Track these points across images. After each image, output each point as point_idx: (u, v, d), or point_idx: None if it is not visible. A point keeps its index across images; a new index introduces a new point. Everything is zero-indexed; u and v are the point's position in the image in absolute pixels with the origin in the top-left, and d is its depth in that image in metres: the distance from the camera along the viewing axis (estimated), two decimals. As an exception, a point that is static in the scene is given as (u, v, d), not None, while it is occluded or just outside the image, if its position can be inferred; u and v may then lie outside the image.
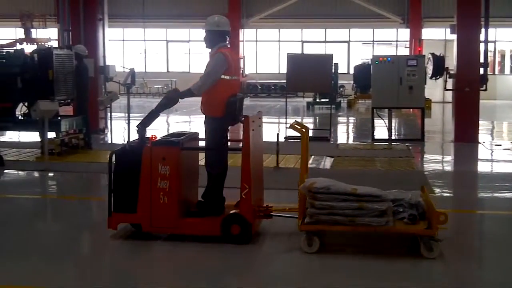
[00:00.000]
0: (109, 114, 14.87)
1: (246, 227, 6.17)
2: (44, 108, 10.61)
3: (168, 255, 6.14)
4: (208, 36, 6.57)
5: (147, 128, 6.46)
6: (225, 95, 6.39)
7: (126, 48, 34.09)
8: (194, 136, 6.94)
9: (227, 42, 6.65)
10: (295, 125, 6.58)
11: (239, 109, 6.63)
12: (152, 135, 6.55)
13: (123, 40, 34.02)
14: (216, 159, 6.53)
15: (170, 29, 33.93)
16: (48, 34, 31.76)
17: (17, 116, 12.28)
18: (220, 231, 6.21)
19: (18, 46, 26.91)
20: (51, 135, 11.43)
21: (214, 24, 6.55)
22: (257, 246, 6.25)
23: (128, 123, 13.35)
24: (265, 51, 33.85)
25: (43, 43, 26.41)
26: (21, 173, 10.55)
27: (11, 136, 13.07)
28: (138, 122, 6.50)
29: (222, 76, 6.39)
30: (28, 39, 30.01)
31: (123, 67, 18.01)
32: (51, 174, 10.39)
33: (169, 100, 6.52)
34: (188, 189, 6.64)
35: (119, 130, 15.28)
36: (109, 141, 14.37)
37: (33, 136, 12.51)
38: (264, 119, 7.68)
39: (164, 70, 34.26)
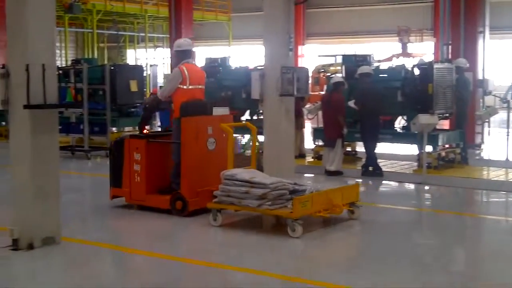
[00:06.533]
0: (486, 129, 14.41)
1: (185, 204, 7.82)
2: (424, 121, 10.71)
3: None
4: (174, 55, 8.40)
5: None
6: (180, 101, 8.07)
7: (506, 60, 32.62)
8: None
9: (190, 59, 8.32)
10: (225, 125, 7.94)
11: (196, 112, 8.08)
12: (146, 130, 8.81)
13: (503, 53, 32.69)
14: (177, 150, 8.06)
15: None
16: (424, 49, 32.27)
17: (395, 128, 12.69)
18: (169, 206, 7.92)
19: (394, 61, 27.91)
20: (427, 148, 11.48)
21: (177, 45, 8.37)
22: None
23: (507, 139, 12.78)
24: None
25: (418, 58, 26.89)
26: (397, 184, 10.85)
27: (389, 148, 13.50)
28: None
29: (179, 86, 8.08)
30: (404, 53, 30.89)
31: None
32: (427, 187, 10.45)
33: (148, 107, 8.84)
34: (164, 172, 8.34)
35: (496, 146, 14.70)
36: (485, 157, 13.90)
37: (409, 149, 12.75)
38: None
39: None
